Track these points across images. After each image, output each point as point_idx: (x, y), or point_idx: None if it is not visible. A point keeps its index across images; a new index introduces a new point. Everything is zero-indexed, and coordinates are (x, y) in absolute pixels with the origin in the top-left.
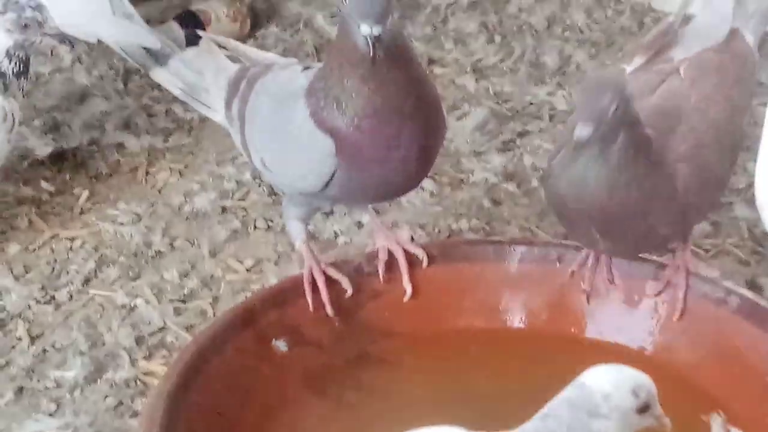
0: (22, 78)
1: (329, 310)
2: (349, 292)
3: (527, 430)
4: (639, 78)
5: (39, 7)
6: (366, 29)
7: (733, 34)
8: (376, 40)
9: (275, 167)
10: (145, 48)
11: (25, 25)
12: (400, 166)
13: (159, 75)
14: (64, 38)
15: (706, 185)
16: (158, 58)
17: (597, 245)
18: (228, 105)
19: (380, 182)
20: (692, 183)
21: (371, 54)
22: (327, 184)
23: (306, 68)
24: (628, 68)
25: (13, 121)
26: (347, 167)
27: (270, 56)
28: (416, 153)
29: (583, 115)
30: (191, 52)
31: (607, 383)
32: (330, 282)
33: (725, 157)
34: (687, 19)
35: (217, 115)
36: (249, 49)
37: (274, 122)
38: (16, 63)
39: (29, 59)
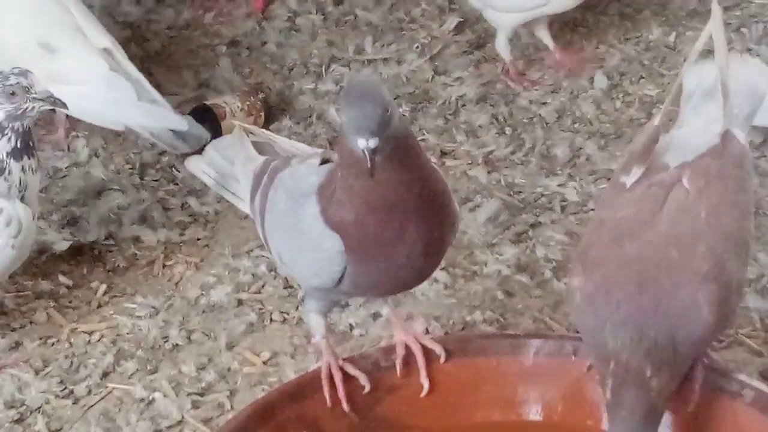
0: (26, 158)
1: (345, 406)
2: (367, 388)
3: None
4: (643, 193)
5: (23, 73)
6: (362, 143)
7: (726, 135)
8: (373, 152)
9: (291, 263)
10: (173, 131)
11: (12, 93)
12: (407, 262)
13: (194, 164)
14: (55, 101)
15: (730, 298)
16: (186, 139)
17: None
18: (252, 198)
19: (389, 277)
20: (720, 300)
21: (369, 166)
22: (339, 281)
23: (324, 161)
24: (628, 181)
25: (20, 227)
26: (356, 264)
27: (298, 145)
28: (422, 248)
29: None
30: (226, 140)
31: None
32: (348, 377)
33: (742, 263)
34: (670, 124)
35: (246, 206)
36: (278, 138)
37: (289, 219)
38: (10, 138)
39: (28, 135)
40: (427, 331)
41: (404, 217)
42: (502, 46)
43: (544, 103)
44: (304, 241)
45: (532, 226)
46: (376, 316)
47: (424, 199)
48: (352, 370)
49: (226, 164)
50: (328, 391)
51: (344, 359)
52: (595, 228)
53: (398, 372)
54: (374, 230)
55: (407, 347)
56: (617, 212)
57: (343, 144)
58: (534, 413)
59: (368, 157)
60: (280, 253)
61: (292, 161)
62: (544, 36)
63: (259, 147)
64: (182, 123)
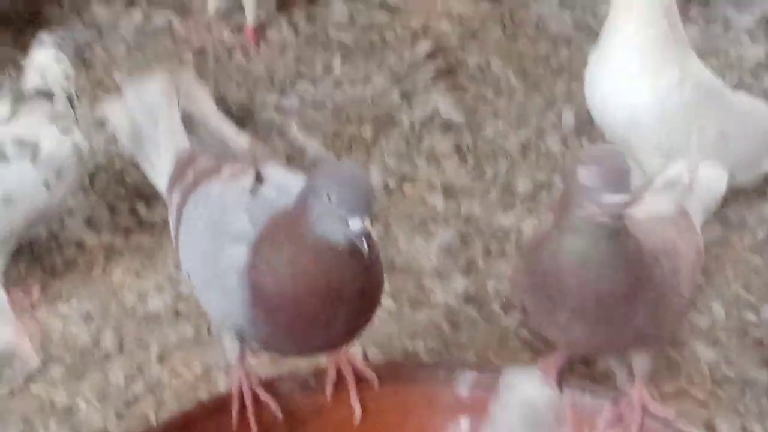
0: None
1: (254, 429)
2: (279, 416)
3: None
4: None
5: None
6: (358, 225)
7: (680, 209)
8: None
9: (200, 291)
10: None
11: None
12: (323, 345)
13: (113, 110)
14: None
15: (678, 286)
16: None
17: (565, 331)
18: (170, 188)
19: (300, 349)
20: (668, 276)
21: (367, 251)
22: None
23: (254, 187)
24: None
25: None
26: (270, 329)
27: (227, 131)
28: (343, 334)
29: (612, 184)
30: (150, 92)
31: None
32: (277, 397)
33: (689, 276)
34: None
35: (160, 181)
36: (210, 108)
37: (207, 249)
38: None
39: None
40: (365, 357)
41: (337, 306)
42: None
43: (509, 137)
44: (218, 284)
45: (485, 258)
46: None
47: (365, 288)
48: (263, 394)
49: (148, 122)
50: (236, 411)
51: (274, 378)
52: None
53: (327, 395)
54: (303, 313)
55: (339, 370)
56: None
57: (309, 217)
58: None
59: (365, 242)
60: (189, 273)
61: (223, 170)
62: None
63: (186, 118)
64: None
